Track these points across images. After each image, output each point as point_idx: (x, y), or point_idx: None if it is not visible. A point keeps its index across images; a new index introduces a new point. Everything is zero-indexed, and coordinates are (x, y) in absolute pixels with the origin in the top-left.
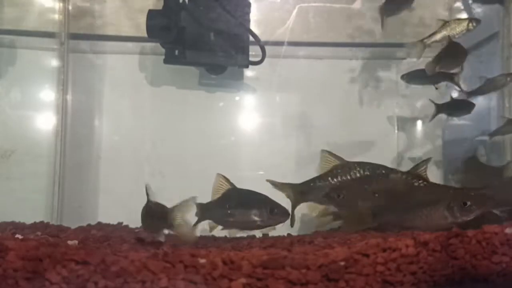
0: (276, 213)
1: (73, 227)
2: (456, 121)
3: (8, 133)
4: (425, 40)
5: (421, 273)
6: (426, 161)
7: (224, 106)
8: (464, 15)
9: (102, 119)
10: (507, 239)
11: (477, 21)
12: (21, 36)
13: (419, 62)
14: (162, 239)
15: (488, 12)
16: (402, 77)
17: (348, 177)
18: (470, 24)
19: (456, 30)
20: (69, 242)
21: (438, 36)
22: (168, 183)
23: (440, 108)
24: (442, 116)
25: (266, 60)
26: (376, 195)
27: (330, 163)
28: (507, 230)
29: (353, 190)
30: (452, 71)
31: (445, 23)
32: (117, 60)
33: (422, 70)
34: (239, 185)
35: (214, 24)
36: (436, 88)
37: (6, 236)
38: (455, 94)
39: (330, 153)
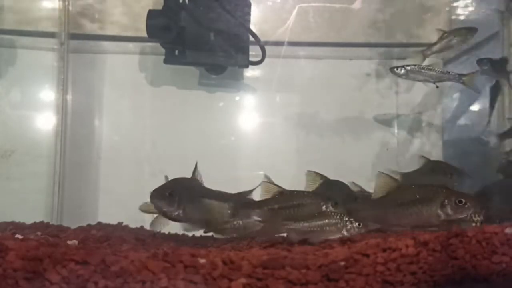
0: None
1: (73, 227)
2: (456, 121)
3: (8, 133)
4: (425, 52)
5: (421, 273)
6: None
7: (224, 106)
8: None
9: (102, 119)
10: (507, 239)
11: (475, 30)
12: (21, 36)
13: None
14: None
15: (488, 12)
16: (392, 69)
17: None
18: (469, 35)
19: (453, 41)
20: (69, 242)
21: (436, 47)
22: None
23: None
24: (442, 115)
25: (266, 60)
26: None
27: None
28: (507, 230)
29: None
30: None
31: (443, 34)
32: (117, 60)
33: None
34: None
35: (214, 24)
36: (437, 87)
37: (6, 236)
38: None
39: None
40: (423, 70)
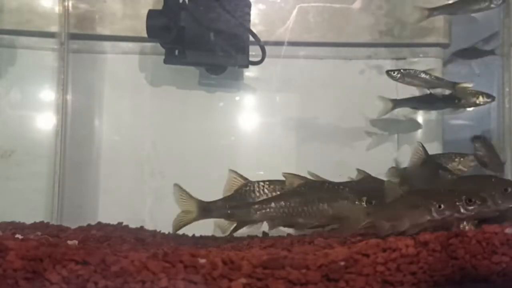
0: None
1: (73, 227)
2: (456, 121)
3: (8, 133)
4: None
5: (421, 273)
6: None
7: (224, 106)
8: None
9: (102, 119)
10: (507, 239)
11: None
12: (21, 36)
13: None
14: None
15: (488, 12)
16: (388, 72)
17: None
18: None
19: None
20: (69, 242)
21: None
22: (168, 183)
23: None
24: (442, 115)
25: (266, 60)
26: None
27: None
28: (507, 230)
29: None
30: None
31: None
32: (117, 60)
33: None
34: None
35: (214, 24)
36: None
37: (6, 236)
38: None
39: (236, 173)
40: (418, 75)
